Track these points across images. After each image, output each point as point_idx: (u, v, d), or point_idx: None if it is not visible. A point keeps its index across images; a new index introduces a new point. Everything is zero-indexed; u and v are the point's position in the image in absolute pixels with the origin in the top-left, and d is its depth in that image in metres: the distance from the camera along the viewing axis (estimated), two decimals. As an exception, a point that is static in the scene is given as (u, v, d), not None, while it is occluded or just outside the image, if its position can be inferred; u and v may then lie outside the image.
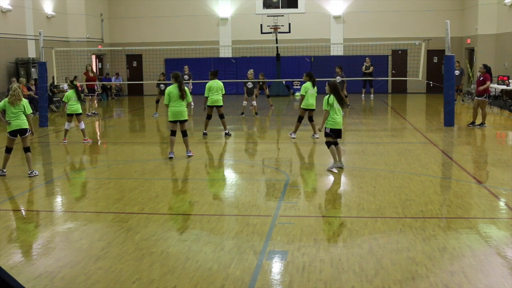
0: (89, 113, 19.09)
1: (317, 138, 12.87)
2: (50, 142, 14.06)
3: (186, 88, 10.85)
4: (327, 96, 9.51)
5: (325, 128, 9.58)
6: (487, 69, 15.16)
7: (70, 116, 13.45)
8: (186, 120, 10.99)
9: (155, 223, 6.77)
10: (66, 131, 13.33)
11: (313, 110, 13.21)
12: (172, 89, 10.77)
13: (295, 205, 7.55)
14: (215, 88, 13.56)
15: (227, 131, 13.88)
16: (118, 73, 27.47)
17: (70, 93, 13.56)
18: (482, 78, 15.04)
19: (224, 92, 13.73)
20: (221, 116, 13.81)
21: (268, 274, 5.16)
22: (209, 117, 13.85)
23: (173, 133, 10.92)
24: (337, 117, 9.49)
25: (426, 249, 5.65)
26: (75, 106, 13.43)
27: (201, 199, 7.99)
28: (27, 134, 9.54)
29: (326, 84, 9.77)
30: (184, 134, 11.03)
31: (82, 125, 13.46)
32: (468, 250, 5.64)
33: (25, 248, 5.95)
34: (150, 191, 8.42)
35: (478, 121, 14.80)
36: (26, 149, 9.61)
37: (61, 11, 24.70)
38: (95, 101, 20.48)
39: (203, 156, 11.95)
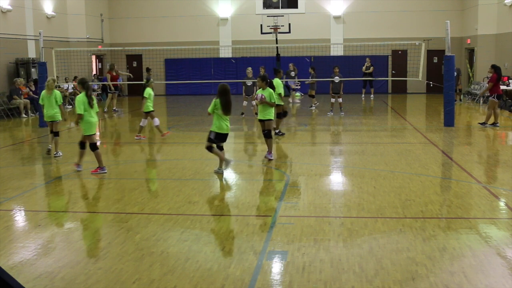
0: (115, 109, 20.67)
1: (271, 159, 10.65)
2: (48, 142, 14.04)
3: (93, 97, 9.79)
4: (214, 99, 9.32)
5: (210, 132, 9.37)
6: (495, 69, 15.20)
7: (147, 113, 13.71)
8: (94, 133, 9.83)
9: (155, 223, 6.77)
10: (141, 127, 13.77)
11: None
12: (82, 97, 9.56)
13: (295, 205, 7.54)
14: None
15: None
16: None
17: (150, 90, 13.75)
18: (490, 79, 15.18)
19: None
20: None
21: (268, 274, 5.16)
22: (278, 115, 13.59)
23: (94, 146, 9.64)
24: (223, 122, 9.27)
25: (426, 249, 5.65)
26: (150, 104, 13.68)
27: (201, 199, 7.99)
28: None
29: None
30: (95, 147, 9.69)
31: (156, 122, 13.74)
32: (468, 250, 5.64)
33: (25, 248, 5.94)
34: (150, 191, 8.42)
35: (491, 121, 14.92)
36: None
37: (61, 11, 24.70)
38: (115, 99, 21.03)
39: (203, 156, 11.95)
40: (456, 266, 5.23)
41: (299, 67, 25.87)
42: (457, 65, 18.75)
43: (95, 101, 9.76)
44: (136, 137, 13.65)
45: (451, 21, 16.62)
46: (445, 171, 9.96)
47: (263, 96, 10.44)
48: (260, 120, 10.69)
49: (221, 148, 9.52)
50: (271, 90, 10.61)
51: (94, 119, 9.70)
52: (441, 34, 18.12)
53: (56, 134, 11.28)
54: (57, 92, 11.34)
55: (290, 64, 21.86)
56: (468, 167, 9.78)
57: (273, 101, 10.51)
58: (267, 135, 10.62)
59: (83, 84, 9.72)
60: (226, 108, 9.18)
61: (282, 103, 13.44)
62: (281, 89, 13.30)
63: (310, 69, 20.27)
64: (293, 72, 21.79)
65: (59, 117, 11.30)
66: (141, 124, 13.82)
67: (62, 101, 11.47)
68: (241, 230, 6.40)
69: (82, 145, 9.74)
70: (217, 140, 9.38)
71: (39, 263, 5.49)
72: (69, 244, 6.14)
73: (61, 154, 11.31)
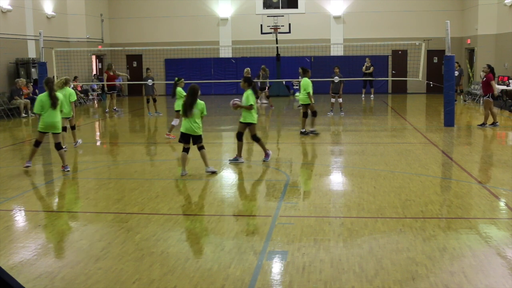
0: (116, 108, 20.78)
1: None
2: (50, 142, 14.04)
3: (59, 95, 9.96)
4: None
5: None
6: (490, 69, 15.21)
7: (178, 112, 13.67)
8: (59, 132, 9.91)
9: (155, 223, 6.77)
10: (173, 126, 13.73)
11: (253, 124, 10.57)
12: (43, 97, 9.70)
13: (295, 205, 7.54)
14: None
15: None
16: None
17: (181, 89, 13.76)
18: (485, 78, 15.13)
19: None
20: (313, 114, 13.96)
21: (268, 274, 5.16)
22: (305, 115, 13.84)
23: (38, 143, 9.90)
24: (187, 123, 9.26)
25: (426, 249, 5.65)
26: (179, 102, 13.65)
27: (201, 199, 7.99)
28: None
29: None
30: (59, 147, 9.83)
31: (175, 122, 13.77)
32: (468, 250, 5.64)
33: (25, 248, 5.94)
34: (150, 191, 8.42)
35: (490, 120, 14.92)
36: None
37: (61, 11, 24.70)
38: (115, 99, 21.05)
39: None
40: (456, 266, 5.23)
41: (299, 67, 25.85)
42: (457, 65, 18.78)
43: (60, 101, 9.81)
44: (166, 136, 13.75)
45: (451, 21, 16.61)
46: (445, 171, 9.96)
47: (234, 102, 10.42)
48: (240, 122, 10.56)
49: (200, 148, 9.51)
50: (250, 92, 10.37)
51: (54, 119, 9.70)
52: (441, 34, 18.13)
53: (73, 128, 12.43)
54: (69, 90, 11.98)
55: (263, 66, 21.63)
56: (468, 167, 9.78)
57: (250, 103, 10.23)
58: (254, 138, 10.50)
59: (46, 84, 9.82)
60: (183, 109, 9.28)
61: (310, 103, 13.55)
62: (310, 88, 13.54)
63: (300, 70, 20.06)
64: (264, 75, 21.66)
65: (71, 113, 12.08)
66: (173, 123, 13.82)
67: (75, 98, 12.24)
68: (241, 230, 6.40)
69: (58, 146, 9.84)
70: (183, 140, 9.41)
71: (39, 263, 5.49)
72: (69, 244, 6.14)
73: (80, 141, 12.75)
